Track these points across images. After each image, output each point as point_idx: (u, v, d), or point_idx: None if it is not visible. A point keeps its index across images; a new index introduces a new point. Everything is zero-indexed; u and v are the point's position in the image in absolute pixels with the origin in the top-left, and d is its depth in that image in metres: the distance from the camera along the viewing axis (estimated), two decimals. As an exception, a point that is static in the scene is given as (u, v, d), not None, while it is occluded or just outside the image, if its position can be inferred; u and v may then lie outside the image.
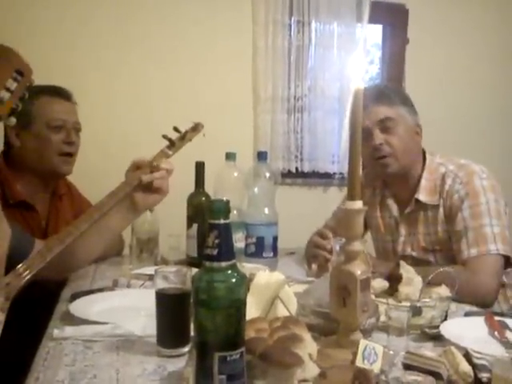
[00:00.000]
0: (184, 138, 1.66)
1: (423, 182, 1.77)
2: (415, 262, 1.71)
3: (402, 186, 1.83)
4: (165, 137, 1.63)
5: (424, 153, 1.83)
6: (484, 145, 3.21)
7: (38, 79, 1.16)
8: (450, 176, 1.74)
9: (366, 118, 1.67)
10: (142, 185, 1.59)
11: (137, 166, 1.62)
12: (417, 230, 1.81)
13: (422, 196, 1.77)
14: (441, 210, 1.74)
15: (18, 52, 1.02)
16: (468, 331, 1.17)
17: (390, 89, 1.84)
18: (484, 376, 0.93)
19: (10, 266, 1.24)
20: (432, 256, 1.78)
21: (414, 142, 1.79)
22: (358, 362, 0.92)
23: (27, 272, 1.22)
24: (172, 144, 1.64)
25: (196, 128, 1.69)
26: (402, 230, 1.85)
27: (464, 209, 1.68)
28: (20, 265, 1.23)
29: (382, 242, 1.95)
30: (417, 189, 1.78)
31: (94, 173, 2.52)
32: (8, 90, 0.96)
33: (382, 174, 1.83)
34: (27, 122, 1.85)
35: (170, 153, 1.63)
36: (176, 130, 1.65)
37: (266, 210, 1.81)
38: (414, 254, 1.81)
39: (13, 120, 0.97)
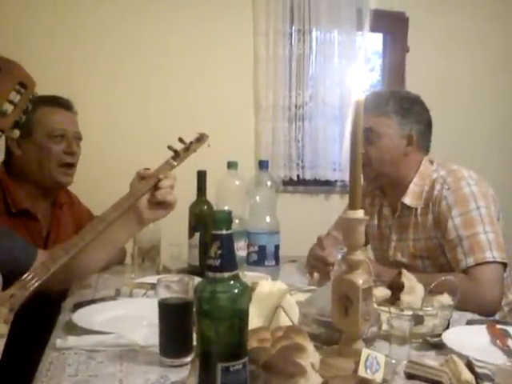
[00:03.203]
0: (189, 148, 1.66)
1: (411, 187, 1.78)
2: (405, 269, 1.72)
3: (393, 191, 1.85)
4: (170, 148, 1.63)
5: (421, 160, 1.81)
6: (483, 151, 3.22)
7: (37, 89, 1.16)
8: (439, 181, 1.73)
9: None
10: (151, 199, 1.59)
11: (141, 177, 1.61)
12: (408, 235, 1.81)
13: (408, 199, 1.78)
14: (430, 216, 1.74)
15: (21, 65, 1.03)
16: (470, 340, 1.17)
17: (386, 96, 1.81)
18: (486, 385, 0.93)
19: (14, 277, 1.24)
20: (420, 262, 1.78)
21: (400, 151, 1.78)
22: (361, 372, 0.92)
23: (31, 283, 1.22)
24: (177, 155, 1.64)
25: (201, 139, 1.70)
26: (394, 236, 1.86)
27: (454, 217, 1.66)
28: (24, 276, 1.23)
29: (380, 252, 1.95)
30: (405, 193, 1.79)
31: (95, 182, 2.53)
32: (11, 102, 0.96)
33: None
34: (28, 131, 1.86)
35: (175, 163, 1.63)
36: (181, 140, 1.65)
37: (268, 219, 1.82)
38: (404, 260, 1.81)
39: (16, 132, 0.97)
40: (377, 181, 1.85)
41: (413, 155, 1.80)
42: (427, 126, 1.83)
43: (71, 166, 1.95)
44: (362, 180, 1.11)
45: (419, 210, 1.77)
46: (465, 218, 1.65)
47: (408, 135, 1.78)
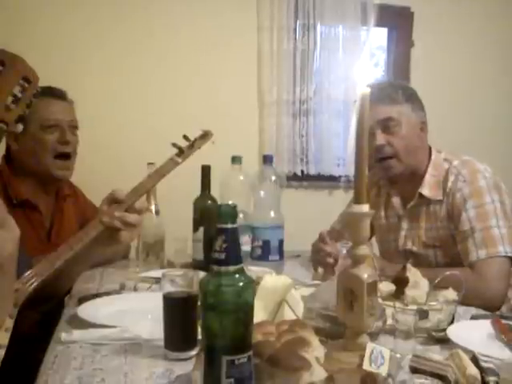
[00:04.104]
0: (193, 145, 1.66)
1: (428, 177, 1.77)
2: (415, 258, 1.71)
3: (407, 182, 1.83)
4: (174, 145, 1.63)
5: (430, 148, 1.82)
6: (490, 146, 3.20)
7: (39, 82, 1.16)
8: (453, 172, 1.73)
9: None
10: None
11: (114, 200, 1.49)
12: (419, 224, 1.80)
13: (426, 190, 1.76)
14: (444, 206, 1.73)
15: (24, 59, 1.02)
16: (475, 334, 1.17)
17: (393, 86, 1.81)
18: (491, 379, 0.93)
19: None
20: (432, 252, 1.78)
21: (418, 139, 1.78)
22: (366, 366, 0.92)
23: (35, 278, 1.22)
24: (181, 152, 1.64)
25: (205, 136, 1.70)
26: (404, 224, 1.85)
27: (468, 208, 1.66)
28: (29, 271, 1.23)
29: (386, 243, 1.95)
30: (421, 183, 1.77)
31: (98, 180, 2.53)
32: (15, 97, 0.96)
33: (386, 176, 1.83)
34: (23, 124, 1.85)
35: (179, 160, 1.63)
36: (185, 138, 1.65)
37: (272, 213, 1.82)
38: (414, 248, 1.81)
39: (20, 127, 0.97)
40: (402, 173, 1.78)
41: (425, 143, 1.81)
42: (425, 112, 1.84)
43: (68, 157, 1.95)
44: (367, 172, 1.11)
45: (433, 200, 1.76)
46: (479, 210, 1.65)
47: (421, 122, 1.79)
